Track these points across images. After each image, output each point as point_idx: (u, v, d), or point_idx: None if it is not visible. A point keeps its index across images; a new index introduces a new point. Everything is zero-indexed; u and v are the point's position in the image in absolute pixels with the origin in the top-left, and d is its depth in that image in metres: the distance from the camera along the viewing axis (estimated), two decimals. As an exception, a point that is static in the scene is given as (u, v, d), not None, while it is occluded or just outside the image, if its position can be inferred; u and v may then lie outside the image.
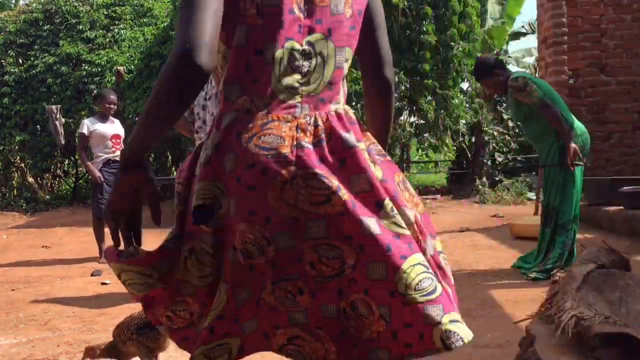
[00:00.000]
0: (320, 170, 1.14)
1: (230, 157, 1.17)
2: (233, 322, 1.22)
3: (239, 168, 1.15)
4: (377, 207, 1.17)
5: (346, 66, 1.28)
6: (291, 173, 1.13)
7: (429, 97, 8.98)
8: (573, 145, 3.97)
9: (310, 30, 1.21)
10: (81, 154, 5.93)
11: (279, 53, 1.18)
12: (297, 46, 1.20)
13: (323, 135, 1.18)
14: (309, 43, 1.21)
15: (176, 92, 1.08)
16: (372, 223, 1.14)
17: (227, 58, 1.20)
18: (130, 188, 1.19)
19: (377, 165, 1.23)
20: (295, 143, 1.15)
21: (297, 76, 1.20)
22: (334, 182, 1.14)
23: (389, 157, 1.30)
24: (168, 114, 1.12)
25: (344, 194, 1.14)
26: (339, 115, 1.22)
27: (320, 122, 1.20)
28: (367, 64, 1.40)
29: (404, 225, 1.18)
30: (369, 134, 1.30)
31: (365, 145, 1.23)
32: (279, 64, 1.18)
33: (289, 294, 1.19)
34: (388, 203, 1.18)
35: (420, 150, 12.87)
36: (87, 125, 5.78)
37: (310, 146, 1.16)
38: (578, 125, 4.15)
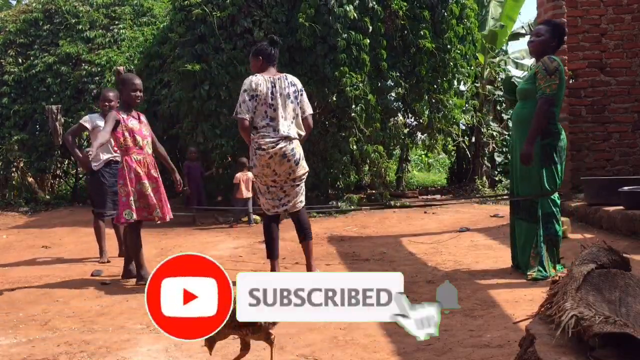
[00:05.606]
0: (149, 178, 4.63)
1: (126, 171, 4.55)
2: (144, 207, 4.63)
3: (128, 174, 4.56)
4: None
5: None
6: (143, 177, 4.58)
7: (425, 100, 8.96)
8: (531, 149, 4.00)
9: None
10: (67, 139, 5.73)
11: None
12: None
13: (149, 165, 4.65)
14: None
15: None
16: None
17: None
18: None
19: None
20: (140, 170, 4.58)
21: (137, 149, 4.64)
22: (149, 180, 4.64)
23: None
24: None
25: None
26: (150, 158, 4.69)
27: (148, 160, 4.67)
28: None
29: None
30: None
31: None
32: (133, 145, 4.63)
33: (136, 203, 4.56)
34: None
35: (415, 149, 12.88)
36: (89, 121, 5.72)
37: (148, 170, 4.65)
38: (560, 127, 4.17)
